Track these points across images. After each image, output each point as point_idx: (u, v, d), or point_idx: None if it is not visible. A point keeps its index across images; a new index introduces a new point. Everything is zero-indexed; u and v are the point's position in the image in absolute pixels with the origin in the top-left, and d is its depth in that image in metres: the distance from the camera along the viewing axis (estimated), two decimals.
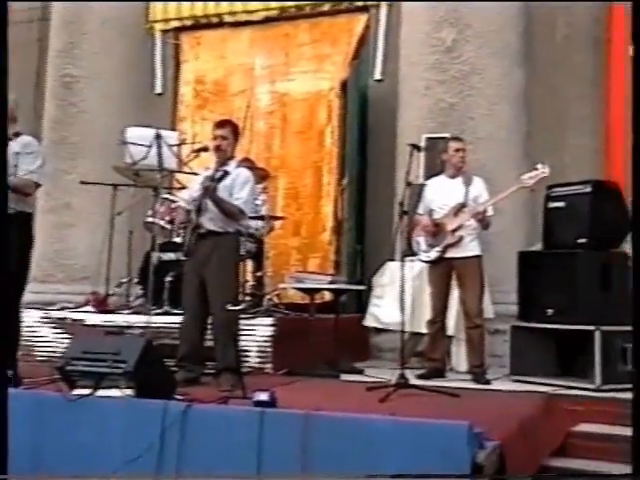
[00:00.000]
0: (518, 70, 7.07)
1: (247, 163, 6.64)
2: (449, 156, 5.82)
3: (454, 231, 5.65)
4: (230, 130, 5.32)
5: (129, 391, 3.97)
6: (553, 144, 7.39)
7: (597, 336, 5.12)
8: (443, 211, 5.76)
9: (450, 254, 5.68)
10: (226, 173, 5.20)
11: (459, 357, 6.12)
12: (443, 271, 5.75)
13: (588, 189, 5.57)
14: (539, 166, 5.50)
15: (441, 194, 5.82)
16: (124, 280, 6.93)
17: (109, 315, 6.38)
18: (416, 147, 5.41)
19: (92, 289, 7.12)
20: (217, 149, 5.27)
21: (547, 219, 5.82)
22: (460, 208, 5.69)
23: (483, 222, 5.65)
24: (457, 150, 5.80)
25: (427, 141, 6.71)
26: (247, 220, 5.65)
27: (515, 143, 6.95)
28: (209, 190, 5.10)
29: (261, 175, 7.06)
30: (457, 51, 6.93)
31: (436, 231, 5.73)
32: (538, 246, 5.99)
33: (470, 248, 5.69)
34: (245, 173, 5.33)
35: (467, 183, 5.76)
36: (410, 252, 5.82)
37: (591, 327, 5.17)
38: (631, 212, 4.39)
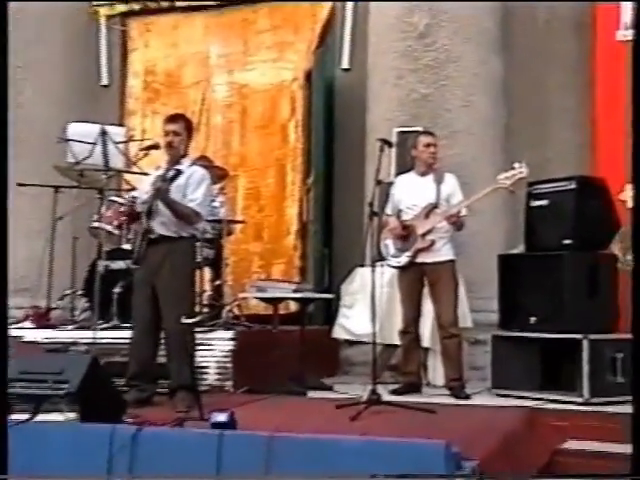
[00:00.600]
0: (496, 58, 7.12)
1: (203, 161, 6.60)
2: (418, 152, 5.82)
3: (424, 235, 5.66)
4: (183, 125, 5.28)
5: (72, 415, 3.93)
6: (534, 138, 7.45)
7: (585, 345, 5.16)
8: (413, 212, 5.77)
9: (421, 259, 5.69)
10: (179, 172, 5.16)
11: (436, 370, 6.13)
12: (414, 277, 5.76)
13: (573, 186, 5.61)
14: (516, 165, 5.52)
15: (410, 193, 5.82)
16: (67, 292, 6.86)
17: (51, 331, 6.31)
18: (387, 142, 5.41)
19: (32, 302, 7.04)
20: (169, 146, 5.24)
21: (529, 219, 5.85)
22: (431, 209, 5.69)
23: (456, 224, 5.67)
24: (427, 145, 5.79)
25: (399, 135, 6.73)
26: (204, 223, 5.61)
27: (493, 137, 7.00)
28: (160, 191, 5.06)
29: (219, 174, 7.04)
30: (430, 37, 6.96)
31: (405, 234, 5.74)
32: (520, 248, 6.03)
33: (442, 252, 5.70)
34: (200, 172, 5.30)
35: (439, 181, 5.76)
36: (381, 257, 5.82)
37: (578, 336, 5.20)
38: (631, 213, 4.43)
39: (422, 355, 6.06)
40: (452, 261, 5.74)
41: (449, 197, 5.72)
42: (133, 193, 5.51)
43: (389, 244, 5.81)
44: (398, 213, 5.84)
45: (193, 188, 5.19)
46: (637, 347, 3.76)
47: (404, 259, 5.73)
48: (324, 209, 8.13)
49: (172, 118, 5.35)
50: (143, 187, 5.40)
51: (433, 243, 5.65)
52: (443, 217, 5.63)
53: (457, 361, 5.69)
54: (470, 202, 5.66)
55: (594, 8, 7.31)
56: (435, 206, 5.69)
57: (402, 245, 5.74)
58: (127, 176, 7.15)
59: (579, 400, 5.11)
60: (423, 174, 5.83)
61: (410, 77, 6.97)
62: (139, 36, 9.38)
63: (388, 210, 5.90)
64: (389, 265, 5.86)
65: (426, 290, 5.78)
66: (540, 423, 4.76)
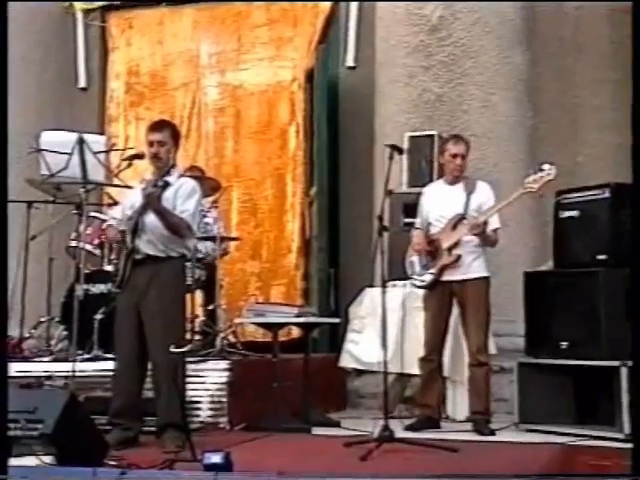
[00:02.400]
0: (519, 52, 7.15)
1: (194, 172, 6.64)
2: (445, 161, 5.83)
3: (450, 249, 5.66)
4: (168, 133, 5.29)
5: (48, 458, 3.92)
6: (563, 140, 7.46)
7: (623, 373, 5.14)
8: (441, 224, 5.77)
9: (447, 276, 5.69)
10: (166, 184, 5.17)
11: (456, 402, 6.12)
12: (440, 298, 5.75)
13: (607, 194, 5.62)
14: (545, 167, 5.52)
15: (438, 204, 5.83)
16: (43, 319, 6.86)
17: (24, 363, 6.29)
18: (397, 148, 5.42)
19: None
20: (154, 158, 5.24)
21: (558, 231, 5.86)
22: (459, 220, 5.68)
23: (482, 237, 5.65)
24: (454, 156, 5.77)
25: (410, 140, 6.75)
26: (194, 241, 5.61)
27: (517, 141, 7.01)
28: (152, 198, 5.06)
29: (211, 186, 7.05)
30: (445, 30, 6.99)
31: (432, 249, 5.73)
32: (548, 264, 6.02)
33: (472, 269, 5.69)
34: (190, 183, 5.31)
35: (469, 190, 5.75)
36: (396, 276, 5.82)
37: (615, 363, 5.19)
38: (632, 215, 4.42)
39: (442, 385, 6.05)
40: (485, 278, 5.71)
41: (480, 207, 5.69)
42: (112, 214, 5.49)
43: (415, 261, 5.81)
44: (427, 227, 5.84)
45: (183, 200, 5.18)
46: (637, 347, 3.79)
47: (428, 277, 5.72)
48: (329, 224, 8.13)
49: (156, 126, 5.35)
50: (126, 203, 5.39)
51: (459, 258, 5.64)
52: (468, 228, 5.61)
53: (484, 392, 5.67)
54: (496, 210, 5.63)
55: None
56: (463, 217, 5.68)
57: (428, 262, 5.74)
58: (108, 190, 7.16)
59: (619, 436, 5.08)
60: (452, 183, 5.83)
61: (423, 75, 7.00)
62: (120, 33, 9.41)
63: (417, 223, 5.92)
64: (414, 285, 5.86)
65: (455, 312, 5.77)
66: (576, 462, 4.72)
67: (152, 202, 5.07)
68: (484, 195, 5.76)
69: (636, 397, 3.70)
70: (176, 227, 5.13)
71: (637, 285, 3.94)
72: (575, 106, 7.60)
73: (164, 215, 5.09)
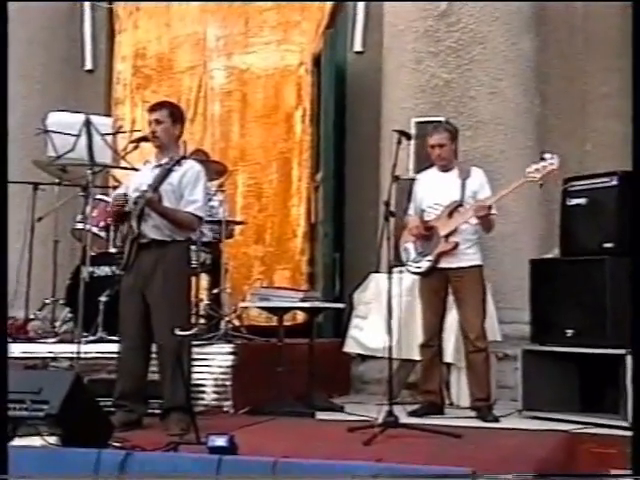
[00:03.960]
0: (528, 39, 7.13)
1: (199, 155, 6.63)
2: (429, 151, 5.85)
3: (447, 236, 5.66)
4: (167, 112, 5.29)
5: (53, 439, 3.93)
6: (571, 128, 7.46)
7: (628, 361, 5.13)
8: (435, 212, 5.77)
9: (444, 264, 5.69)
10: (170, 169, 5.17)
11: (460, 389, 6.14)
12: (437, 284, 5.76)
13: (614, 182, 5.60)
14: (547, 156, 5.51)
15: (432, 191, 5.83)
16: (48, 301, 6.87)
17: (29, 344, 6.32)
18: (404, 134, 5.42)
19: (8, 313, 7.04)
20: (152, 136, 5.27)
21: (565, 219, 5.84)
22: (455, 207, 5.69)
23: (485, 220, 5.64)
24: (432, 147, 5.78)
25: (417, 126, 6.74)
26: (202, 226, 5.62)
27: (524, 128, 7.00)
28: (152, 203, 5.07)
29: (217, 170, 7.05)
30: (454, 16, 6.98)
31: (428, 235, 5.73)
32: (555, 252, 6.02)
33: (468, 257, 5.70)
34: (195, 168, 5.29)
35: (464, 177, 5.76)
36: (399, 262, 5.82)
37: (621, 351, 5.18)
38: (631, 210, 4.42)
39: (445, 372, 6.06)
40: (479, 266, 5.74)
41: (475, 194, 5.71)
42: (119, 190, 5.51)
43: (410, 248, 5.81)
44: (421, 214, 5.84)
45: (191, 187, 5.18)
46: (637, 346, 3.75)
47: (425, 264, 5.73)
48: (334, 209, 8.14)
49: (154, 106, 5.40)
50: (131, 185, 5.38)
51: (457, 246, 5.65)
52: (472, 214, 5.60)
53: (484, 379, 5.68)
54: (497, 199, 5.64)
55: None
56: (459, 204, 5.69)
57: (424, 249, 5.74)
58: (115, 172, 7.16)
59: (623, 424, 5.06)
60: (445, 170, 5.83)
61: (431, 61, 6.98)
62: (127, 15, 9.40)
63: (410, 210, 5.92)
64: (409, 271, 5.87)
65: (451, 299, 5.78)
66: (579, 450, 4.73)
67: (154, 207, 5.08)
68: (477, 182, 5.76)
69: (637, 389, 3.68)
70: (183, 224, 5.16)
71: (637, 272, 3.94)
72: (583, 94, 7.58)
73: (169, 216, 5.11)
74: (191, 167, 5.29)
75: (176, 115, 5.36)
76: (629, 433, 4.92)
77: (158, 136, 5.25)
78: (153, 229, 5.13)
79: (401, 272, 6.01)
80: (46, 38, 8.52)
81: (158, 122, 5.25)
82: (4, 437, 3.80)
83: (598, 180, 5.69)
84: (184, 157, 5.41)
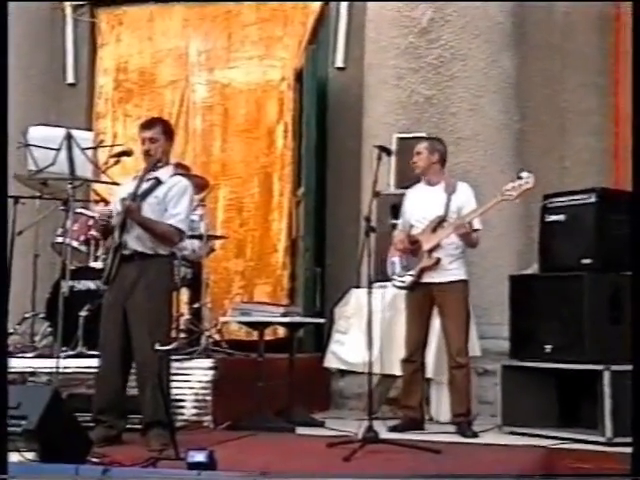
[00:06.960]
0: (508, 56, 7.17)
1: (180, 170, 6.61)
2: None
3: (431, 251, 5.67)
4: (160, 130, 5.29)
5: (31, 454, 3.91)
6: (550, 145, 7.49)
7: (606, 377, 5.16)
8: (422, 226, 5.79)
9: (427, 279, 5.71)
10: (158, 183, 5.16)
11: (440, 404, 6.13)
12: (422, 299, 5.77)
13: (593, 199, 5.63)
14: (524, 174, 5.53)
15: (419, 206, 5.85)
16: (27, 315, 6.83)
17: (7, 359, 6.27)
18: (385, 150, 5.44)
19: None
20: (146, 155, 5.24)
21: (544, 235, 5.87)
22: (439, 222, 5.71)
23: (466, 237, 5.67)
24: (415, 154, 5.84)
25: (398, 142, 6.76)
26: (185, 241, 5.61)
27: (504, 144, 7.03)
28: (132, 211, 5.05)
29: (198, 184, 7.02)
30: (434, 33, 7.00)
31: (414, 250, 5.75)
32: (534, 268, 6.04)
33: (451, 272, 5.71)
34: (182, 183, 5.29)
35: (450, 191, 5.78)
36: (383, 276, 5.83)
37: (599, 366, 5.21)
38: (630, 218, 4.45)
39: (425, 387, 6.06)
40: (463, 281, 5.74)
41: (460, 210, 5.72)
42: (110, 207, 5.49)
43: (396, 261, 5.82)
44: (409, 228, 5.86)
45: (175, 202, 5.17)
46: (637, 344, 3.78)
47: (408, 278, 5.74)
48: (315, 224, 8.13)
49: (147, 124, 5.36)
50: (116, 197, 5.37)
51: (439, 261, 5.66)
52: (451, 231, 5.63)
53: (465, 394, 5.68)
54: (474, 217, 5.65)
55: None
56: (443, 219, 5.70)
57: (408, 263, 5.75)
58: (95, 186, 7.14)
59: (601, 439, 5.10)
60: (433, 184, 5.85)
61: (412, 77, 7.01)
62: (110, 29, 9.38)
63: (400, 225, 5.94)
64: (394, 285, 5.88)
65: (435, 313, 5.78)
66: (558, 465, 4.74)
67: (133, 216, 5.07)
68: (463, 197, 5.78)
69: (637, 399, 3.71)
70: (163, 236, 5.14)
71: (637, 289, 3.95)
72: (563, 111, 7.62)
73: (148, 227, 5.09)
74: (178, 182, 5.29)
75: (168, 132, 5.37)
76: (607, 448, 4.96)
77: (153, 155, 5.23)
78: (135, 240, 5.12)
79: (383, 287, 6.02)
80: (27, 50, 8.48)
81: (152, 140, 5.24)
82: (4, 437, 3.79)
83: (577, 197, 5.73)
84: (175, 173, 5.40)
